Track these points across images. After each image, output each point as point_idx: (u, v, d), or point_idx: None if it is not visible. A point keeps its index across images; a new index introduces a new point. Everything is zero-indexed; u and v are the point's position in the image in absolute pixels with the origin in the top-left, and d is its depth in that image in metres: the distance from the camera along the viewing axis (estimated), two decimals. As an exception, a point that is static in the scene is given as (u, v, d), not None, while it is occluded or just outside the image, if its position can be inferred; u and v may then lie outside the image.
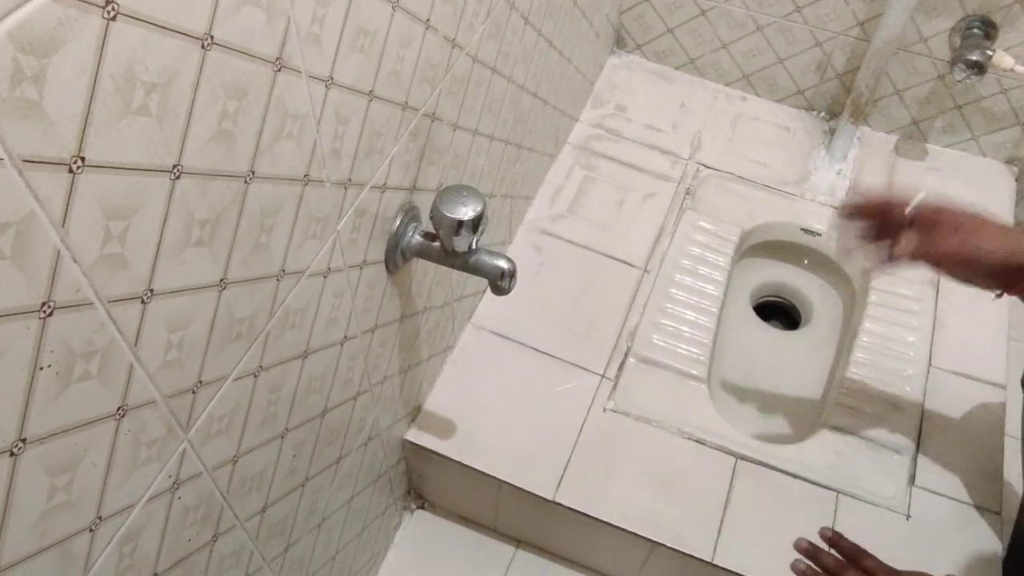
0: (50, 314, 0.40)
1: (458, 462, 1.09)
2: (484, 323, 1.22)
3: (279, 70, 0.52)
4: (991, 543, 1.07)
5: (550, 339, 1.21)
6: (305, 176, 0.60)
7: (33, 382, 0.41)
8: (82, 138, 0.38)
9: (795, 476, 1.11)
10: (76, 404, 0.44)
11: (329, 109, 0.60)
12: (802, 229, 1.39)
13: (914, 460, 1.14)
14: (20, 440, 0.41)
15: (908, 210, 0.84)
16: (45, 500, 0.44)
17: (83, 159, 0.38)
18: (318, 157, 0.60)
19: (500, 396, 1.15)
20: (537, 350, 1.20)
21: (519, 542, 1.23)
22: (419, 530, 1.24)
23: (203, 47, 0.44)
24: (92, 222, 0.41)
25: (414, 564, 1.21)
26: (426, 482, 1.21)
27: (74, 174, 0.38)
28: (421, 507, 1.25)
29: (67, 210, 0.39)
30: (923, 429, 1.16)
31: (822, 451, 1.14)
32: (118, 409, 0.48)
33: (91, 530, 0.49)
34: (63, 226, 0.39)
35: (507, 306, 1.24)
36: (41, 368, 0.41)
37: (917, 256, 0.83)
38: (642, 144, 1.46)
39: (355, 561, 1.08)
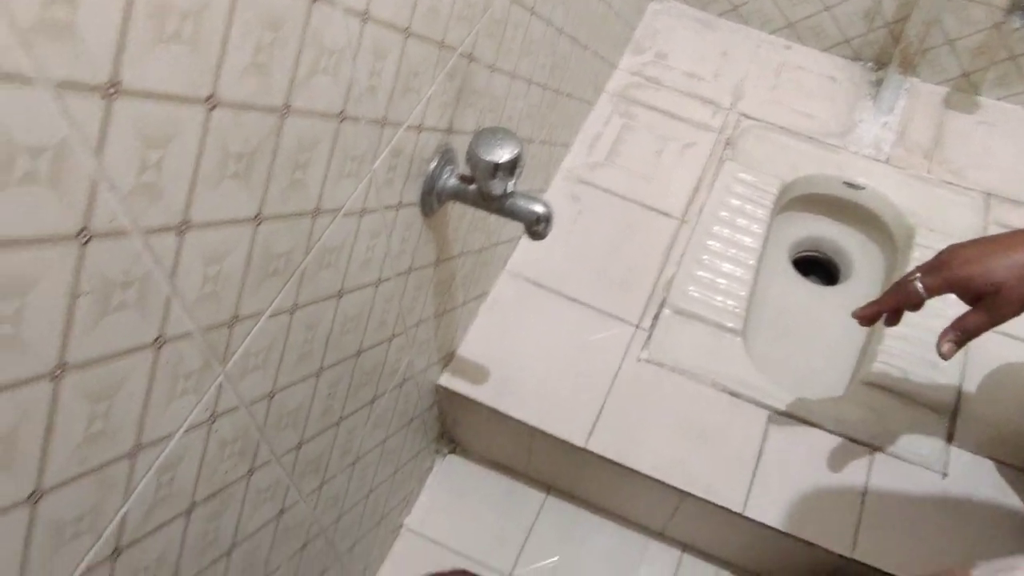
0: (87, 241, 0.40)
1: (491, 408, 1.10)
2: (520, 270, 1.22)
3: (314, 2, 0.51)
4: (1029, 502, 1.06)
5: (585, 288, 1.21)
6: (341, 113, 0.59)
7: (72, 308, 0.41)
8: (117, 63, 0.38)
9: (830, 431, 1.10)
10: (115, 333, 0.45)
11: (366, 44, 0.59)
12: (845, 183, 1.36)
13: (952, 418, 1.12)
14: (60, 365, 0.42)
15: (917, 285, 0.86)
16: (85, 426, 0.45)
17: (118, 84, 0.38)
18: (354, 94, 0.60)
19: (534, 344, 1.15)
20: (572, 299, 1.20)
21: (550, 488, 1.24)
22: (451, 474, 1.26)
23: (238, -25, 0.43)
24: (128, 150, 0.41)
25: (446, 507, 1.23)
26: (459, 427, 1.22)
27: (109, 99, 0.38)
28: (453, 451, 1.27)
29: (103, 136, 0.39)
30: (963, 388, 1.14)
31: (859, 407, 1.13)
32: (155, 340, 0.48)
33: (130, 458, 0.50)
34: (99, 153, 0.39)
35: (543, 254, 1.23)
36: (79, 295, 0.41)
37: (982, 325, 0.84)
38: (682, 93, 1.43)
39: (388, 501, 1.10)
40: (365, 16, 0.57)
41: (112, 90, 0.38)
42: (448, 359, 1.12)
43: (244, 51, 0.46)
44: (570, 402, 1.11)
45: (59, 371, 0.42)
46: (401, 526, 1.20)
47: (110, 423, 0.47)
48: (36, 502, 0.44)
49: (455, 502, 1.23)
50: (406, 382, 0.98)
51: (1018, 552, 1.01)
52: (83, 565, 0.50)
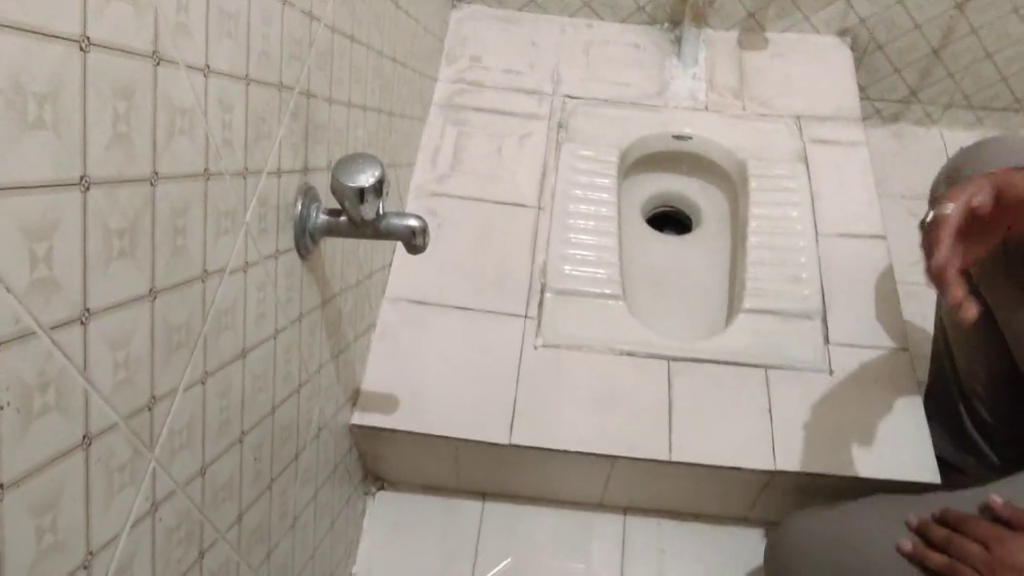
0: (-3, 350, 0.39)
1: (408, 432, 1.10)
2: (399, 294, 1.22)
3: (158, 64, 0.50)
4: (907, 377, 1.16)
5: (466, 294, 1.23)
6: (205, 171, 0.58)
7: (-3, 423, 0.39)
8: (-11, 160, 0.36)
9: (725, 363, 1.17)
10: (43, 439, 0.43)
11: (212, 98, 0.58)
12: (673, 136, 1.44)
13: (824, 322, 1.22)
14: (-3, 486, 0.40)
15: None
16: (35, 543, 0.43)
17: (-5, 181, 0.37)
18: (213, 149, 0.59)
19: (432, 360, 1.16)
20: (456, 307, 1.21)
21: (484, 495, 1.25)
22: (384, 511, 1.24)
23: (81, 48, 0.42)
24: (15, 246, 0.39)
25: (387, 545, 1.21)
26: (381, 462, 1.21)
27: (-10, 198, 0.37)
28: (381, 488, 1.26)
29: (-9, 237, 0.37)
30: (825, 292, 1.24)
31: (742, 334, 1.21)
32: (83, 438, 0.46)
33: (85, 567, 0.48)
34: (-10, 256, 0.37)
35: (416, 273, 1.24)
36: (1, 407, 0.39)
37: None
38: (505, 89, 1.48)
39: (332, 556, 1.08)
40: (206, 70, 0.57)
41: (-10, 188, 0.37)
42: (355, 397, 1.11)
43: (104, 124, 0.45)
44: (483, 405, 1.12)
45: (-3, 492, 0.40)
46: (350, 576, 1.18)
47: (59, 535, 0.45)
48: (4, 637, 0.41)
49: (396, 537, 1.22)
50: (322, 430, 0.97)
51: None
52: None
